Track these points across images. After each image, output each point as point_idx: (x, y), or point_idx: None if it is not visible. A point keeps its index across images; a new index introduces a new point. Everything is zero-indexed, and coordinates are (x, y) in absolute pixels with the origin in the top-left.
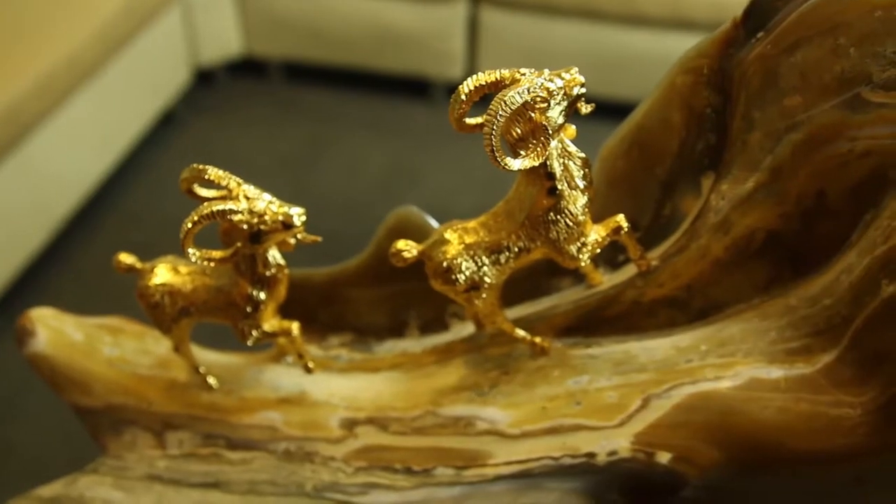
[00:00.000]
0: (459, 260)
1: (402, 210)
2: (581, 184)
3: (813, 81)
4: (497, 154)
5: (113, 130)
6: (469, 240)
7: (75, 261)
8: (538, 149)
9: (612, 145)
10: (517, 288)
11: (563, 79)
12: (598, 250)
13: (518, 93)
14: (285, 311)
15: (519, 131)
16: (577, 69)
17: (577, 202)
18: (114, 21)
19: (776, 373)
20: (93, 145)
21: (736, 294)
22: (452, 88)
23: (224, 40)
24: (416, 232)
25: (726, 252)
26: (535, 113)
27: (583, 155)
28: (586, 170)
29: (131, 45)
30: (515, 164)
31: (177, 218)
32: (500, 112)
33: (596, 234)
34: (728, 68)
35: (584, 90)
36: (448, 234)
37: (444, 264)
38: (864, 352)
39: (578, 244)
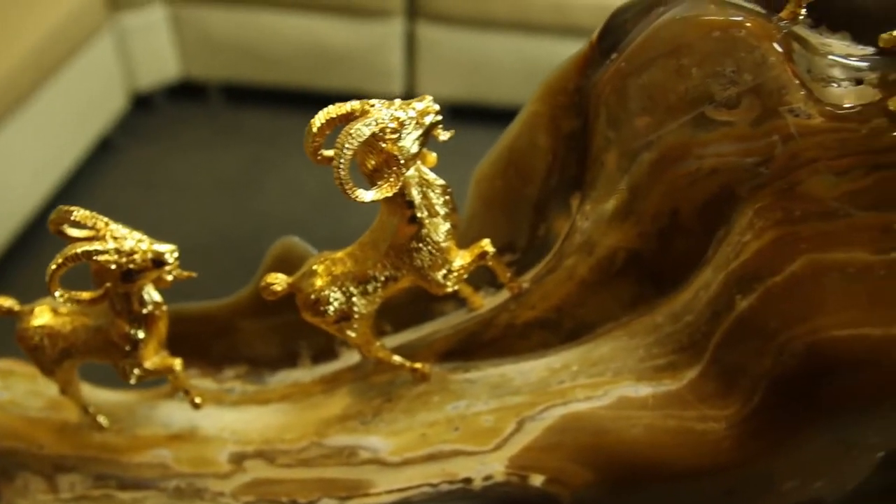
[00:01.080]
0: (327, 292)
1: (285, 241)
2: (442, 211)
3: (660, 102)
4: (346, 186)
5: (47, 159)
6: (337, 271)
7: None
8: (391, 179)
9: (486, 168)
10: (402, 313)
11: (414, 108)
12: (465, 276)
13: (365, 124)
14: (178, 345)
15: (373, 162)
16: (430, 98)
17: (439, 229)
18: (42, 48)
19: (644, 390)
20: (27, 175)
21: (604, 313)
22: None
23: (160, 64)
24: (299, 262)
25: (591, 272)
26: (386, 143)
27: (442, 182)
28: (447, 197)
29: (63, 72)
30: (367, 195)
31: None
32: (347, 145)
33: (461, 259)
34: (586, 89)
35: (438, 118)
36: (316, 266)
37: (313, 296)
38: (725, 366)
39: (444, 271)
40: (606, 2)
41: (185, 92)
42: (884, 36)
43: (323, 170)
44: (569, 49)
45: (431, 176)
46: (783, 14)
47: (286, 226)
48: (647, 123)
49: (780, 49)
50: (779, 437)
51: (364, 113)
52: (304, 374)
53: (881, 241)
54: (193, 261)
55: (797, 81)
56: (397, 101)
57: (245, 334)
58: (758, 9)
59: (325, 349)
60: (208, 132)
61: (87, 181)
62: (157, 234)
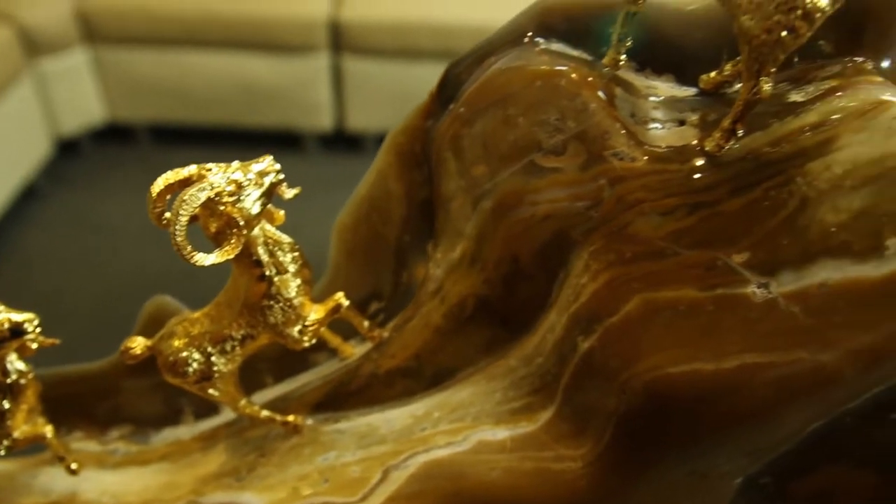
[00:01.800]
0: (186, 353)
1: (157, 299)
2: (292, 268)
3: (493, 151)
4: (184, 252)
5: None
6: (194, 331)
7: None
8: (232, 241)
9: (345, 218)
10: (281, 364)
11: (252, 170)
12: (322, 330)
13: (199, 190)
14: (62, 408)
15: (215, 225)
16: (271, 158)
17: (290, 286)
18: None
19: (502, 433)
20: None
21: (462, 359)
22: (323, 139)
23: (85, 108)
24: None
25: (444, 320)
26: (225, 206)
27: (289, 240)
28: (295, 253)
29: None
30: (208, 259)
31: (46, 293)
32: (181, 211)
33: (316, 314)
34: (429, 140)
35: (280, 177)
36: (175, 328)
37: (172, 358)
38: (576, 407)
39: (299, 326)
40: None
41: (113, 135)
42: (703, 77)
43: None
44: None
45: (278, 234)
46: (605, 61)
47: (217, 268)
48: (483, 172)
49: (601, 95)
50: (633, 472)
51: (201, 178)
52: (187, 431)
53: (707, 278)
54: (125, 306)
55: (619, 126)
56: (235, 164)
57: (128, 393)
58: (584, 56)
59: (208, 405)
60: (137, 174)
61: (12, 229)
62: (86, 281)
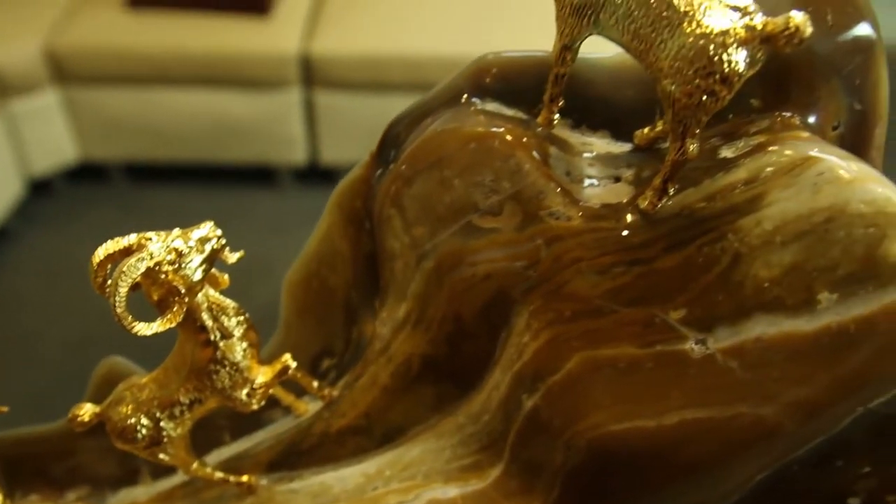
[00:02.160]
0: (134, 419)
1: (108, 361)
2: (237, 332)
3: (431, 212)
4: (125, 322)
5: None
6: (143, 397)
7: None
8: (175, 309)
9: (294, 276)
10: (239, 422)
11: (192, 238)
12: (270, 391)
13: (139, 260)
14: (18, 470)
15: (157, 294)
16: (212, 223)
17: (236, 350)
18: None
19: (452, 491)
20: None
21: (412, 417)
22: (298, 173)
23: (57, 148)
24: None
25: (392, 379)
26: (166, 275)
27: (234, 304)
28: (240, 317)
29: None
30: (150, 328)
31: (18, 337)
32: (120, 283)
33: (263, 376)
34: (371, 199)
35: (222, 242)
36: (123, 393)
37: (120, 424)
38: (524, 463)
39: (247, 389)
40: None
41: (86, 174)
42: (637, 133)
43: (231, 241)
44: None
45: (221, 298)
46: (539, 119)
47: None
48: (423, 233)
49: (535, 156)
50: None
51: (141, 247)
52: (144, 491)
53: (646, 335)
54: (98, 351)
55: (554, 185)
56: (175, 231)
57: (85, 454)
58: (520, 114)
59: (164, 465)
60: (111, 213)
61: None
62: (59, 325)
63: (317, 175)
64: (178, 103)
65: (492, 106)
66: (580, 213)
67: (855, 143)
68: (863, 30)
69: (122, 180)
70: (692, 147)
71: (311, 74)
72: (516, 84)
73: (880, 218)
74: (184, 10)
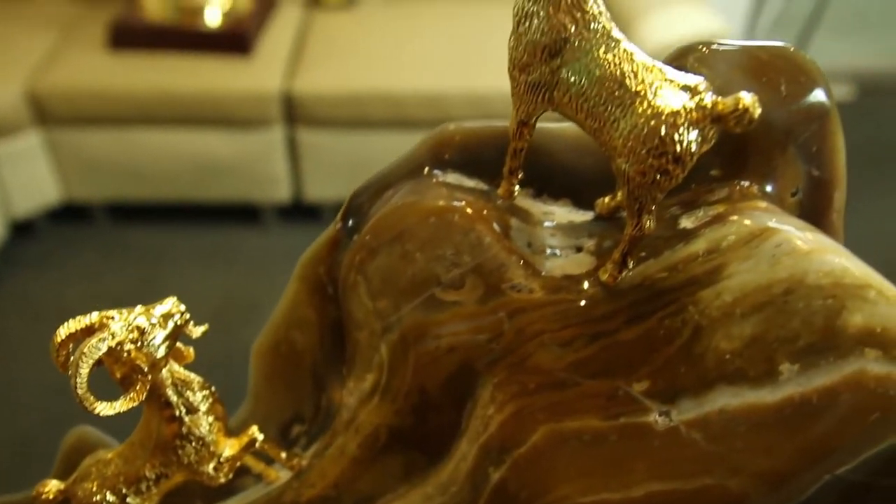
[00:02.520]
0: (100, 496)
1: (78, 430)
2: (203, 406)
3: (394, 285)
4: (87, 403)
5: None
6: (108, 472)
7: None
8: (138, 387)
9: (262, 343)
10: (206, 490)
11: (155, 315)
12: (238, 464)
13: (100, 340)
14: None
15: (120, 372)
16: (174, 298)
17: (202, 425)
18: None
19: None
20: None
21: (381, 487)
22: (282, 210)
23: (39, 189)
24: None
25: (359, 449)
26: (128, 353)
27: (199, 378)
28: (206, 392)
29: None
30: (112, 408)
31: (3, 379)
32: (81, 364)
33: (231, 449)
34: (336, 270)
35: (186, 317)
36: (89, 468)
37: (86, 501)
38: None
39: (213, 463)
40: (476, 93)
41: (68, 214)
42: (598, 202)
43: (216, 281)
44: None
45: (186, 373)
46: (500, 191)
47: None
48: (387, 305)
49: (496, 228)
50: None
51: (103, 326)
52: None
53: (610, 407)
54: None
55: (515, 258)
56: (138, 309)
57: None
58: (481, 185)
59: None
60: (95, 254)
61: None
62: (44, 368)
63: (301, 212)
64: (161, 143)
65: (452, 177)
66: (542, 286)
67: (815, 208)
68: (817, 97)
69: (105, 220)
70: (648, 223)
71: (294, 113)
72: (477, 155)
73: (838, 289)
74: (166, 51)
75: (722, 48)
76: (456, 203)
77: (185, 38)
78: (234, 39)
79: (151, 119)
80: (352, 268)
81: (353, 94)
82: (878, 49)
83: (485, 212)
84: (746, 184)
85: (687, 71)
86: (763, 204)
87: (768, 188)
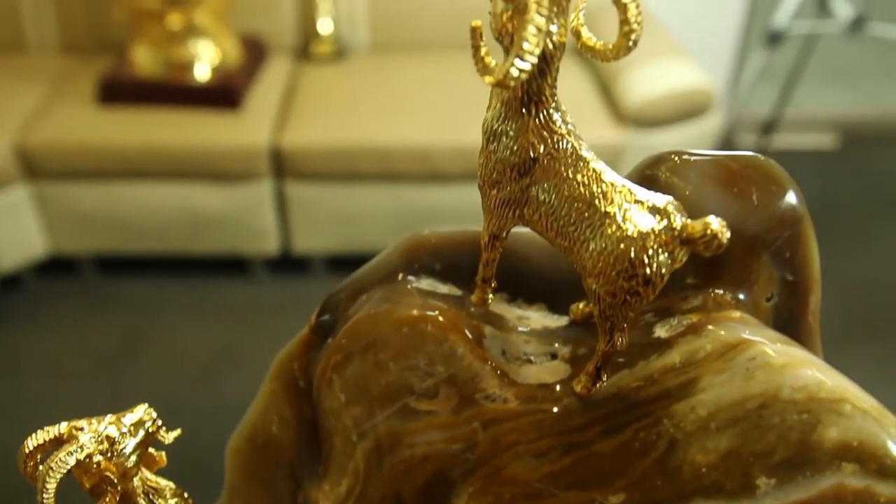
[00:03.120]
0: None
1: None
2: None
3: (367, 393)
4: None
5: None
6: None
7: None
8: (107, 498)
9: (237, 442)
10: None
11: (124, 424)
12: None
13: (68, 454)
14: None
15: (90, 483)
16: (146, 405)
17: None
18: None
19: None
20: None
21: None
22: (270, 263)
23: (27, 243)
24: None
25: None
26: (98, 464)
27: (171, 485)
28: (177, 498)
29: None
30: None
31: None
32: (48, 479)
33: None
34: (311, 372)
35: (157, 424)
36: None
37: None
38: None
39: None
40: (467, 147)
41: (56, 268)
42: (573, 308)
43: (204, 334)
44: (434, 194)
45: (157, 480)
46: (473, 299)
47: (166, 402)
48: (360, 413)
49: (469, 338)
50: None
51: (72, 437)
52: None
53: None
54: None
55: (489, 367)
56: (108, 418)
57: None
58: (455, 291)
59: None
60: (81, 307)
61: None
62: (27, 423)
63: (289, 265)
64: (150, 196)
65: (426, 282)
66: (516, 395)
67: (790, 311)
68: (789, 204)
69: (93, 273)
70: (621, 340)
71: (283, 166)
72: (451, 260)
73: (812, 404)
74: (155, 105)
75: (693, 158)
76: (429, 313)
77: (174, 92)
78: (224, 94)
79: (140, 173)
80: (325, 373)
81: (341, 148)
82: (859, 98)
83: (458, 321)
84: (721, 292)
85: (659, 180)
86: (737, 314)
87: (742, 296)
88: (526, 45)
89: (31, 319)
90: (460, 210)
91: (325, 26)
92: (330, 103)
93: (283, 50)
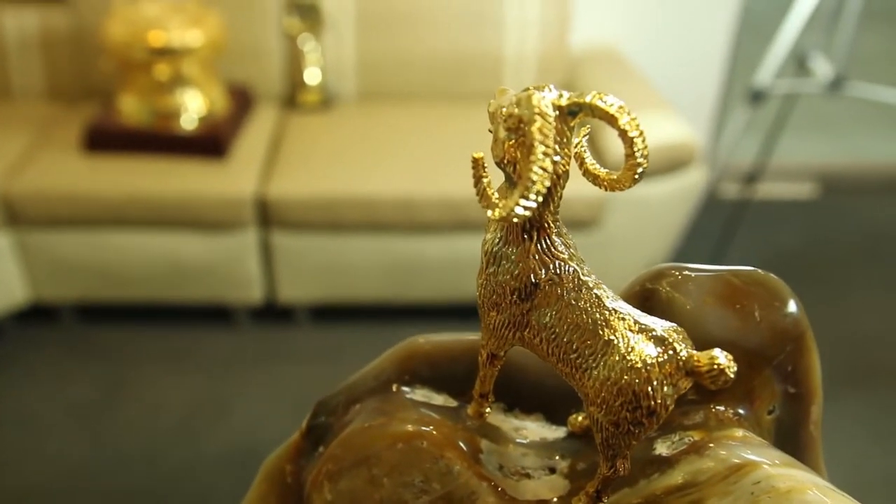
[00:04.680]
0: None
1: None
2: None
3: None
4: None
5: None
6: None
7: None
8: None
9: None
10: None
11: None
12: None
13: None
14: None
15: None
16: None
17: None
18: None
19: None
20: None
21: None
22: (254, 312)
23: (7, 291)
24: None
25: None
26: None
27: None
28: None
29: None
30: None
31: None
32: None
33: None
34: (301, 478)
35: None
36: None
37: None
38: None
39: None
40: (450, 198)
41: (36, 315)
42: (571, 419)
43: (186, 383)
44: (419, 244)
45: None
46: (470, 412)
47: (146, 453)
48: None
49: (466, 454)
50: None
51: None
52: None
53: None
54: (46, 502)
55: (486, 484)
56: None
57: None
58: (450, 401)
59: None
60: (61, 356)
61: None
62: (5, 478)
63: (273, 314)
64: (133, 244)
65: (420, 393)
66: None
67: (792, 422)
68: (791, 320)
69: (74, 321)
70: (623, 467)
71: (268, 216)
72: (445, 370)
73: None
74: (141, 154)
75: (694, 274)
76: (424, 428)
77: (160, 141)
78: (210, 143)
79: (124, 221)
80: (315, 485)
81: (327, 198)
82: (838, 149)
83: (454, 436)
84: (722, 408)
85: (660, 294)
86: (740, 432)
87: (743, 410)
88: (531, 186)
89: (9, 368)
90: (445, 260)
91: (312, 76)
92: (316, 153)
93: (270, 99)
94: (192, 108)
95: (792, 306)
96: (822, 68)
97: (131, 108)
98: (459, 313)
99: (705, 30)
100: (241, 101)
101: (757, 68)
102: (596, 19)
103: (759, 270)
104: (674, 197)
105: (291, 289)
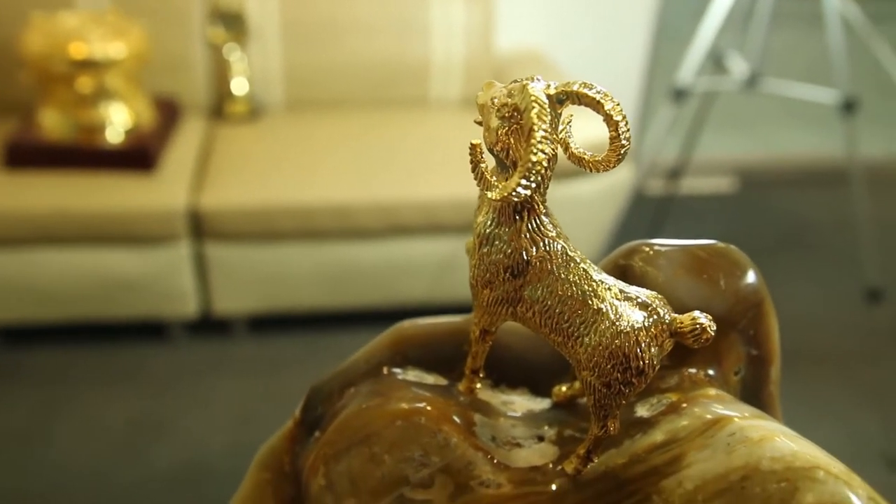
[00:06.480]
0: None
1: None
2: None
3: (361, 486)
4: None
5: None
6: None
7: None
8: None
9: None
10: None
11: None
12: None
13: None
14: None
15: None
16: None
17: None
18: None
19: None
20: None
21: None
22: (189, 326)
23: None
24: None
25: None
26: None
27: None
28: None
29: None
30: None
31: None
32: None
33: None
34: (298, 464)
35: None
36: None
37: None
38: None
39: None
40: (385, 203)
41: None
42: (555, 391)
43: (122, 401)
44: (355, 250)
45: None
46: (461, 388)
47: (86, 477)
48: None
49: (461, 427)
50: None
51: None
52: None
53: None
54: None
55: (482, 454)
56: None
57: None
58: (441, 380)
59: None
60: None
61: None
62: None
63: (210, 327)
64: (61, 262)
65: (412, 374)
66: (509, 479)
67: (754, 383)
68: (752, 287)
69: (1, 346)
70: (613, 426)
71: (201, 227)
72: (434, 351)
73: (790, 473)
74: (65, 169)
75: (665, 248)
76: (420, 405)
77: (85, 156)
78: (137, 156)
79: (50, 238)
80: (314, 469)
81: (260, 207)
82: (756, 144)
83: (449, 411)
84: (694, 371)
85: (634, 269)
86: (712, 391)
87: (713, 372)
88: (532, 167)
89: None
90: (381, 266)
91: (239, 86)
92: (247, 163)
93: (197, 110)
94: (118, 121)
95: (751, 275)
96: (738, 66)
97: (53, 123)
98: (396, 319)
99: (625, 34)
100: (168, 113)
101: (675, 69)
102: (520, 25)
103: (721, 243)
104: (603, 195)
105: (227, 301)
